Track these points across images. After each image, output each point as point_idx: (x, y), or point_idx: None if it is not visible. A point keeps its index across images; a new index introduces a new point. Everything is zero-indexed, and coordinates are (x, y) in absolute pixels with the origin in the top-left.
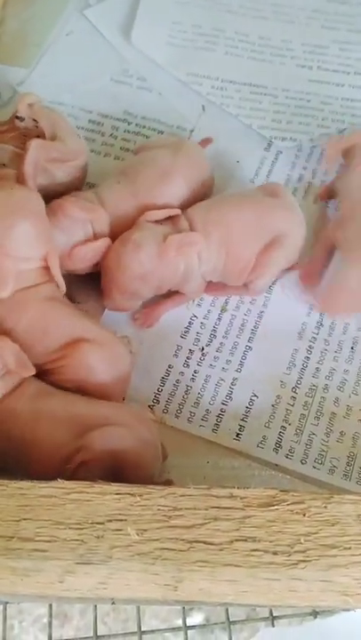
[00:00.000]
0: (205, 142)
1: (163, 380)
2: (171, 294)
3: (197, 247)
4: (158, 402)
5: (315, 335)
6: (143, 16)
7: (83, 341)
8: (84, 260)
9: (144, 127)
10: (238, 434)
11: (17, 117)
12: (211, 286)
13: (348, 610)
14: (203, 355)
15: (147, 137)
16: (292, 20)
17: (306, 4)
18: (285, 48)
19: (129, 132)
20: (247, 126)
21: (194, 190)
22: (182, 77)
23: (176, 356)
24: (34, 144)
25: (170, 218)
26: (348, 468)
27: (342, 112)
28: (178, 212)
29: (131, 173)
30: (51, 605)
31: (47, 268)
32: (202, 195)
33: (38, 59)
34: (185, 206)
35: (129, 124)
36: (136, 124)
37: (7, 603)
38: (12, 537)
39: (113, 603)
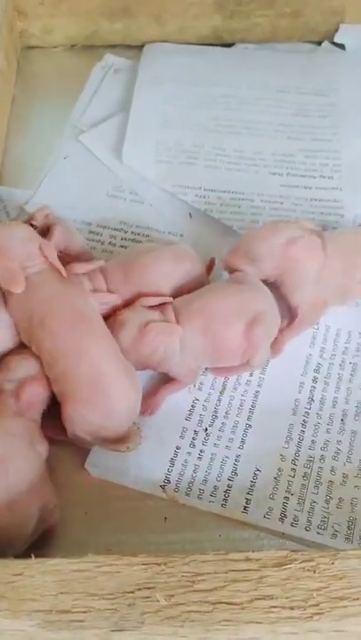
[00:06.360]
0: (211, 263)
1: (172, 461)
2: (166, 381)
3: (174, 338)
4: (169, 481)
5: (307, 410)
6: (131, 138)
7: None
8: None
9: (138, 234)
10: (245, 506)
11: (31, 225)
12: (215, 370)
13: None
14: (207, 435)
15: (141, 242)
16: (262, 134)
17: (273, 119)
18: (258, 158)
19: (126, 239)
20: (229, 228)
21: (185, 284)
22: (169, 189)
23: (182, 437)
24: (59, 228)
25: (162, 305)
26: (349, 532)
27: (312, 211)
28: (170, 299)
29: (128, 261)
30: None
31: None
32: (193, 288)
33: (40, 181)
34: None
35: (125, 232)
36: (132, 232)
37: None
38: (51, 610)
39: None
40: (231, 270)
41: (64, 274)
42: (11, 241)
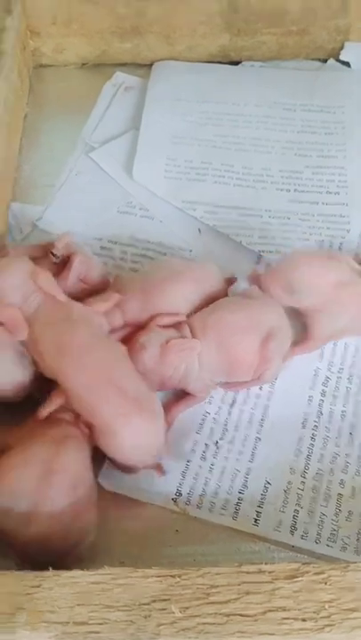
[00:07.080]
0: (232, 281)
1: (183, 474)
2: (180, 397)
3: (195, 352)
4: (181, 495)
5: (316, 423)
6: (141, 155)
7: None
8: None
9: (149, 250)
10: (256, 519)
11: (52, 254)
12: (226, 385)
13: None
14: (217, 448)
15: (152, 258)
16: (270, 151)
17: (280, 136)
18: (265, 175)
19: (136, 254)
20: (238, 243)
21: (203, 302)
22: (179, 205)
23: (193, 451)
24: (78, 258)
25: (176, 323)
26: (358, 544)
27: (319, 226)
28: (183, 318)
29: (147, 288)
30: None
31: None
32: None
33: (52, 197)
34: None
35: (136, 248)
36: (142, 248)
37: None
38: (68, 622)
39: None
40: (262, 289)
41: (61, 298)
42: (6, 285)
